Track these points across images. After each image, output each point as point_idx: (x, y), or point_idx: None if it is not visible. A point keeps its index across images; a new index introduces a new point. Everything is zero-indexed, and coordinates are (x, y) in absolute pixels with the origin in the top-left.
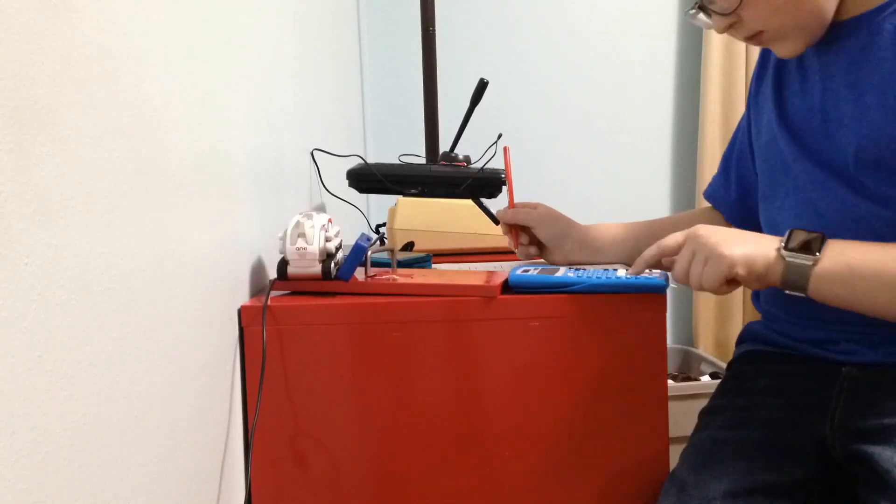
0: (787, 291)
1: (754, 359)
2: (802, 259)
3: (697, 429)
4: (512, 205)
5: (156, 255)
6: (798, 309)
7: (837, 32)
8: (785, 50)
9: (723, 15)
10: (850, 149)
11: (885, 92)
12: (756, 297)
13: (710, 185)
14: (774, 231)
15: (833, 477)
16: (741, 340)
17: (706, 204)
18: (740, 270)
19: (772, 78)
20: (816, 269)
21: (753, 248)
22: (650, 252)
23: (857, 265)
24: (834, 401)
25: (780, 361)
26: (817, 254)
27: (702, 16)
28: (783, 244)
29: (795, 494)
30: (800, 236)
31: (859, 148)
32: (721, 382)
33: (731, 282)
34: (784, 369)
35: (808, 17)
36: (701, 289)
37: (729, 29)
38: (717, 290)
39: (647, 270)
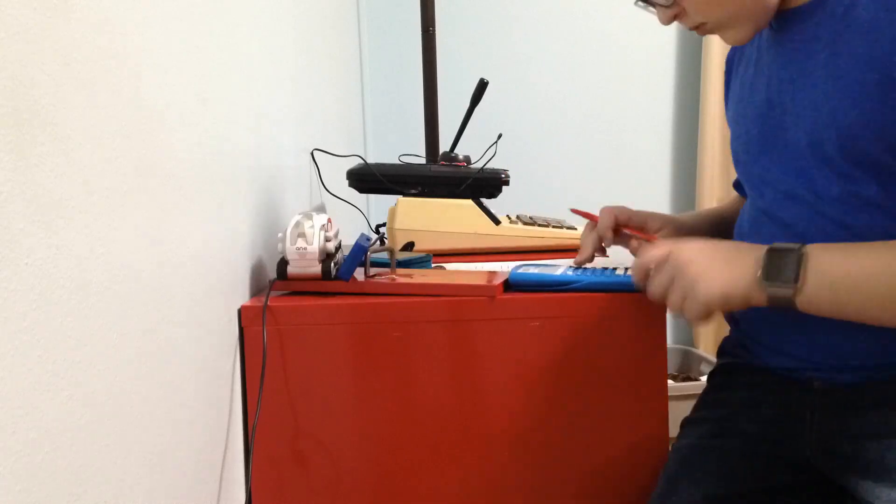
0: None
1: (731, 371)
2: (784, 289)
3: (677, 438)
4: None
5: (156, 255)
6: (768, 338)
7: (788, 20)
8: (731, 38)
9: (665, 7)
10: (805, 139)
11: (837, 78)
12: (731, 317)
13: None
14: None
15: (815, 483)
16: (720, 353)
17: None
18: (717, 308)
19: (734, 66)
20: (800, 298)
21: (729, 280)
22: (633, 272)
23: (840, 282)
24: (808, 418)
25: (755, 374)
26: (797, 282)
27: (649, 7)
28: (761, 270)
29: (773, 500)
30: (776, 261)
31: (814, 138)
32: (702, 394)
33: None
34: (758, 381)
35: (750, 6)
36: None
37: (674, 20)
38: (697, 325)
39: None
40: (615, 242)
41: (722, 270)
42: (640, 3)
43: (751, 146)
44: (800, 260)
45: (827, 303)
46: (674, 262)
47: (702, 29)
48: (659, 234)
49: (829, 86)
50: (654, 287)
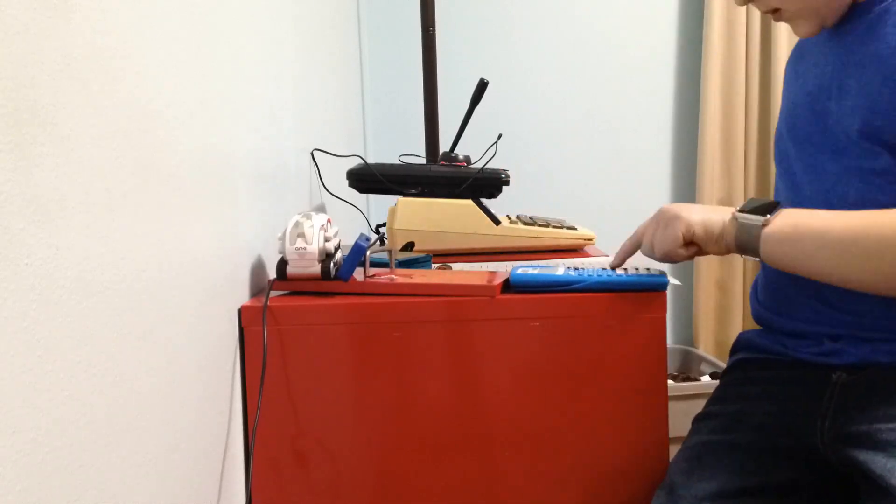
0: (742, 256)
1: (746, 367)
2: (753, 220)
3: (689, 434)
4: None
5: (156, 255)
6: (784, 295)
7: (850, 14)
8: (800, 30)
9: None
10: (855, 125)
11: (884, 68)
12: (754, 292)
13: None
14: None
15: (826, 479)
16: (734, 350)
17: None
18: (697, 230)
19: (793, 61)
20: (766, 230)
21: (712, 213)
22: (627, 243)
23: (803, 225)
24: (825, 407)
25: (772, 368)
26: (768, 216)
27: None
28: (738, 208)
29: (785, 496)
30: (756, 202)
31: (863, 122)
32: (714, 390)
33: (689, 245)
34: (775, 375)
35: (821, 2)
36: (661, 254)
37: (748, 2)
38: (674, 254)
39: (646, 269)
40: None
41: (707, 208)
42: None
43: (797, 131)
44: (774, 206)
45: (788, 244)
46: (659, 212)
47: (777, 15)
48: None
49: (878, 76)
50: (644, 239)
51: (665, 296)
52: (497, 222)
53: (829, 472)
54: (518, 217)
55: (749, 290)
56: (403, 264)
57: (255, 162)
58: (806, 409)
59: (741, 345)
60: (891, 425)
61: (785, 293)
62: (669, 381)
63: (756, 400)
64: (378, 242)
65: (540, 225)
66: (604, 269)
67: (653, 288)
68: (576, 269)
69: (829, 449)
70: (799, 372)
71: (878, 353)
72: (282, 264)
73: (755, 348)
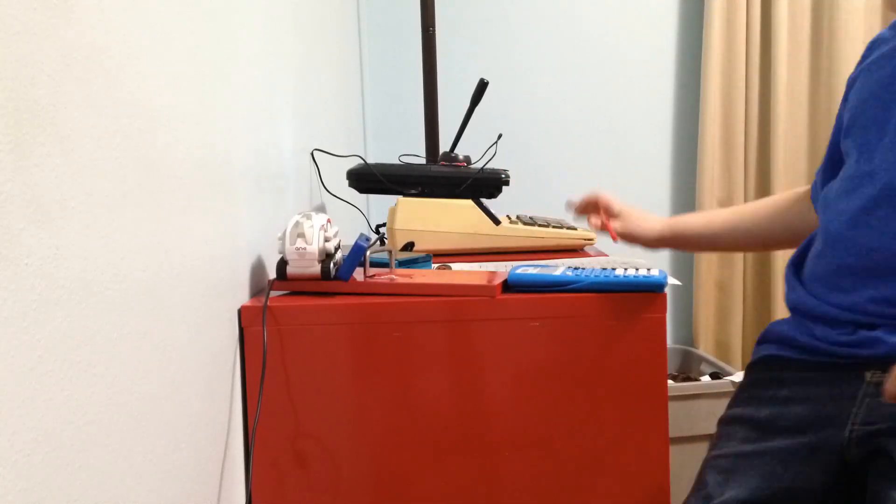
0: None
1: (773, 366)
2: None
3: (718, 439)
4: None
5: (156, 255)
6: (826, 289)
7: None
8: None
9: None
10: None
11: None
12: (793, 268)
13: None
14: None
15: (848, 485)
16: (762, 340)
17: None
18: None
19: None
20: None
21: None
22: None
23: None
24: (856, 407)
25: (801, 369)
26: None
27: None
28: None
29: (814, 501)
30: None
31: None
32: (740, 388)
33: None
34: (805, 377)
35: None
36: None
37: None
38: None
39: (646, 269)
40: (580, 212)
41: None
42: None
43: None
44: None
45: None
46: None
47: None
48: (617, 226)
49: None
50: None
51: (665, 296)
52: (497, 222)
53: (849, 476)
54: (518, 217)
55: (749, 290)
56: (403, 264)
57: (255, 162)
58: (836, 411)
59: (772, 336)
60: None
61: (833, 279)
62: (669, 381)
63: (786, 403)
64: (378, 242)
65: (540, 225)
66: (603, 269)
67: (652, 288)
68: (575, 269)
69: (855, 445)
70: (830, 374)
71: None
72: (282, 264)
73: (785, 341)
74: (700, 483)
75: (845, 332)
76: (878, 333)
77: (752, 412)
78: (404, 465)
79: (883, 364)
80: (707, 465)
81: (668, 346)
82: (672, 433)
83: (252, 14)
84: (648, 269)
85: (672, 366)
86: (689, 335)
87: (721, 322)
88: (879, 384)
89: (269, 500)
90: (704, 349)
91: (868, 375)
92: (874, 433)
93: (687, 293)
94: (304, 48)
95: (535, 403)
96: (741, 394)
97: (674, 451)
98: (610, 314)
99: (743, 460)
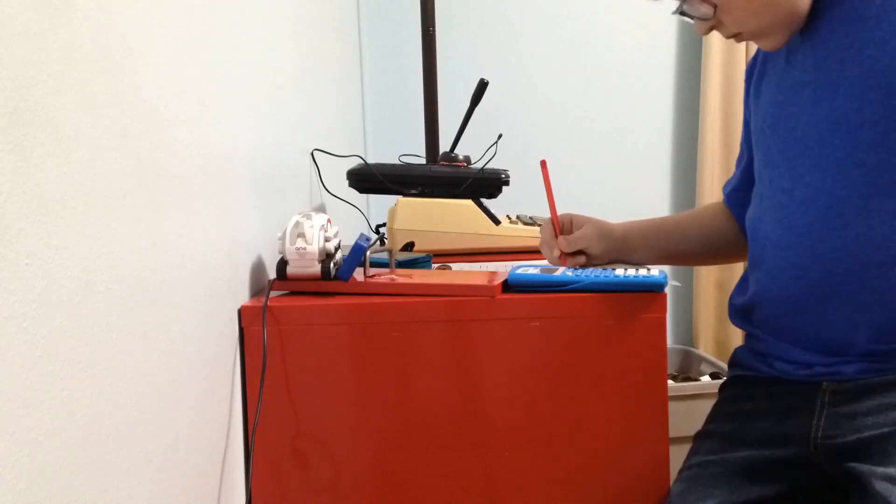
0: None
1: (741, 383)
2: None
3: (689, 453)
4: (556, 221)
5: (156, 255)
6: (775, 327)
7: (818, 8)
8: (768, 44)
9: (704, 20)
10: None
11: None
12: (733, 311)
13: (728, 184)
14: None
15: (822, 485)
16: (731, 364)
17: (711, 201)
18: None
19: (758, 70)
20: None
21: None
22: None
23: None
24: (816, 417)
25: (765, 384)
26: None
27: (685, 17)
28: None
29: None
30: None
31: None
32: (714, 406)
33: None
34: (769, 391)
35: (783, 15)
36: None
37: (711, 31)
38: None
39: (646, 269)
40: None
41: None
42: (679, 14)
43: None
44: None
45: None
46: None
47: (739, 38)
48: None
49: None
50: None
51: (665, 296)
52: (497, 222)
53: (823, 478)
54: (518, 217)
55: None
56: (403, 264)
57: (255, 162)
58: (798, 421)
59: (736, 360)
60: (876, 431)
61: (774, 329)
62: (669, 381)
63: (750, 417)
64: (378, 242)
65: (540, 225)
66: (603, 268)
67: (652, 288)
68: (575, 269)
69: (823, 458)
70: (790, 386)
71: (868, 372)
72: (282, 264)
73: (748, 367)
74: (667, 498)
75: (802, 367)
76: (829, 368)
77: (718, 427)
78: (404, 464)
79: (838, 381)
80: (674, 480)
81: (668, 346)
82: (672, 433)
83: (252, 14)
84: (648, 269)
85: (672, 366)
86: (689, 335)
87: (721, 322)
88: (834, 392)
89: (269, 500)
90: (704, 349)
91: (824, 385)
92: (837, 450)
93: (687, 293)
94: (305, 48)
95: (535, 403)
96: (713, 411)
97: (674, 451)
98: (610, 314)
99: (703, 470)
